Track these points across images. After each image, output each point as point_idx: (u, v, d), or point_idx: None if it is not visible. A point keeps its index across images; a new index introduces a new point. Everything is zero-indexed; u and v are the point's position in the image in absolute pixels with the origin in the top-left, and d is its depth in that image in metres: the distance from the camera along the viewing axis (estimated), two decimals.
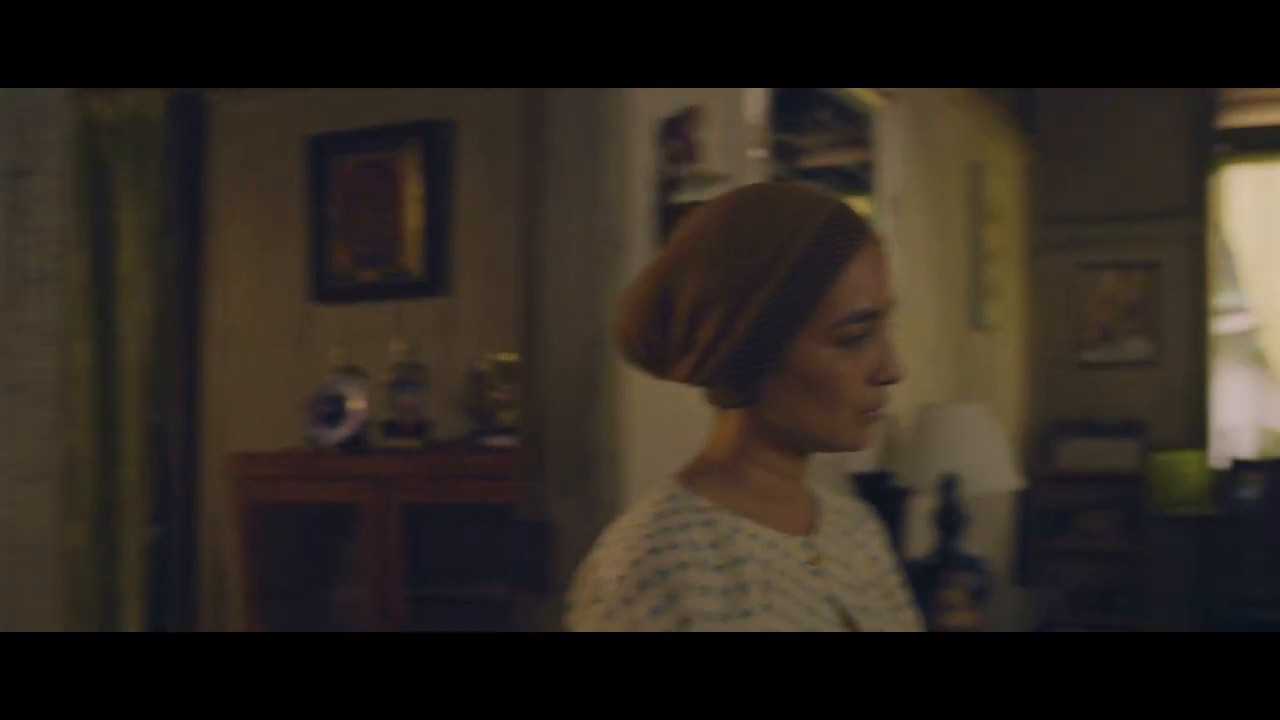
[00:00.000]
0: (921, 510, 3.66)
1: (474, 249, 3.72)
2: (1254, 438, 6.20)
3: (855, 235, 1.22)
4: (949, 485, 3.49)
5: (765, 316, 1.19)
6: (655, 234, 2.46)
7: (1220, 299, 6.11)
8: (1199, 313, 6.01)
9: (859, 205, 3.51)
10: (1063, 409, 6.12)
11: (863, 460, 3.51)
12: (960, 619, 3.26)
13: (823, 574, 1.28)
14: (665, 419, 2.52)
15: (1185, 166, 6.00)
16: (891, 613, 1.36)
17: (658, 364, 1.28)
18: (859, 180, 3.58)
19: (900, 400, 3.79)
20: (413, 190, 3.77)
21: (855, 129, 3.57)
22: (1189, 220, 5.97)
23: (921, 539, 3.65)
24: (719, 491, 1.25)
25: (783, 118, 3.01)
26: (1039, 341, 6.15)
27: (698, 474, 1.28)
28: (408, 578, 3.45)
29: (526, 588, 2.34)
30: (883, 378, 1.23)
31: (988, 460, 3.62)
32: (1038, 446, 6.12)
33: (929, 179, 4.22)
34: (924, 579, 3.27)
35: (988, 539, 5.21)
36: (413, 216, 3.77)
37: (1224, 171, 5.95)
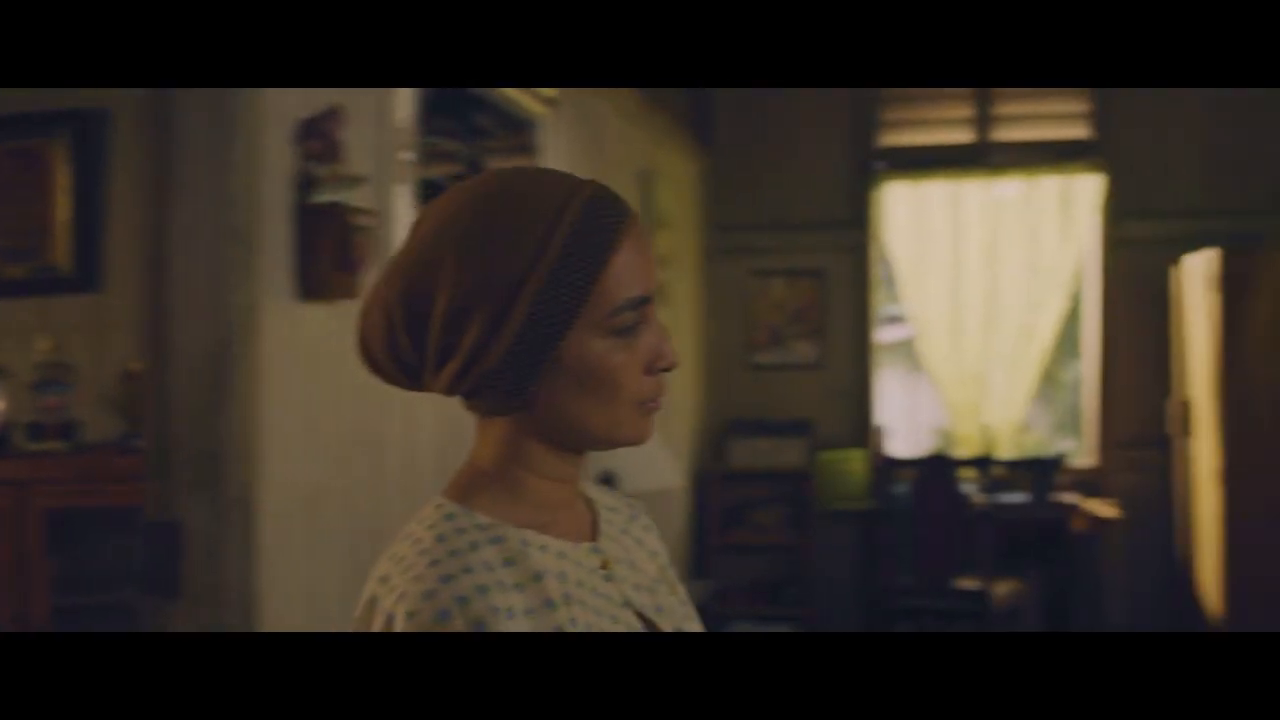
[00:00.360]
0: None
1: (129, 244, 3.60)
2: (908, 437, 6.62)
3: (620, 217, 1.15)
4: (606, 483, 3.60)
5: (535, 314, 1.11)
6: (294, 234, 2.45)
7: (881, 307, 6.50)
8: (861, 319, 6.38)
9: None
10: (735, 409, 6.39)
11: None
12: None
13: (613, 578, 1.23)
14: (302, 419, 2.52)
15: (848, 181, 6.36)
16: (681, 607, 1.32)
17: (409, 375, 1.18)
18: None
19: None
20: (62, 181, 3.62)
21: (519, 136, 3.63)
22: (852, 232, 6.33)
23: None
24: (496, 505, 1.17)
25: (438, 122, 3.04)
26: (713, 344, 6.40)
27: (469, 489, 1.19)
28: (53, 585, 3.32)
29: (153, 591, 2.30)
30: (660, 365, 1.17)
31: (646, 459, 3.75)
32: (712, 445, 6.36)
33: None
34: None
35: (664, 535, 5.38)
36: (62, 209, 3.63)
37: (882, 187, 6.34)
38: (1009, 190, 6.24)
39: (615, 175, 4.59)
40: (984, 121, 6.28)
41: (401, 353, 1.15)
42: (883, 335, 6.55)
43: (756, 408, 6.38)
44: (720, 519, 6.26)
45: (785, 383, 6.40)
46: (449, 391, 1.17)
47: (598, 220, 1.13)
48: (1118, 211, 6.16)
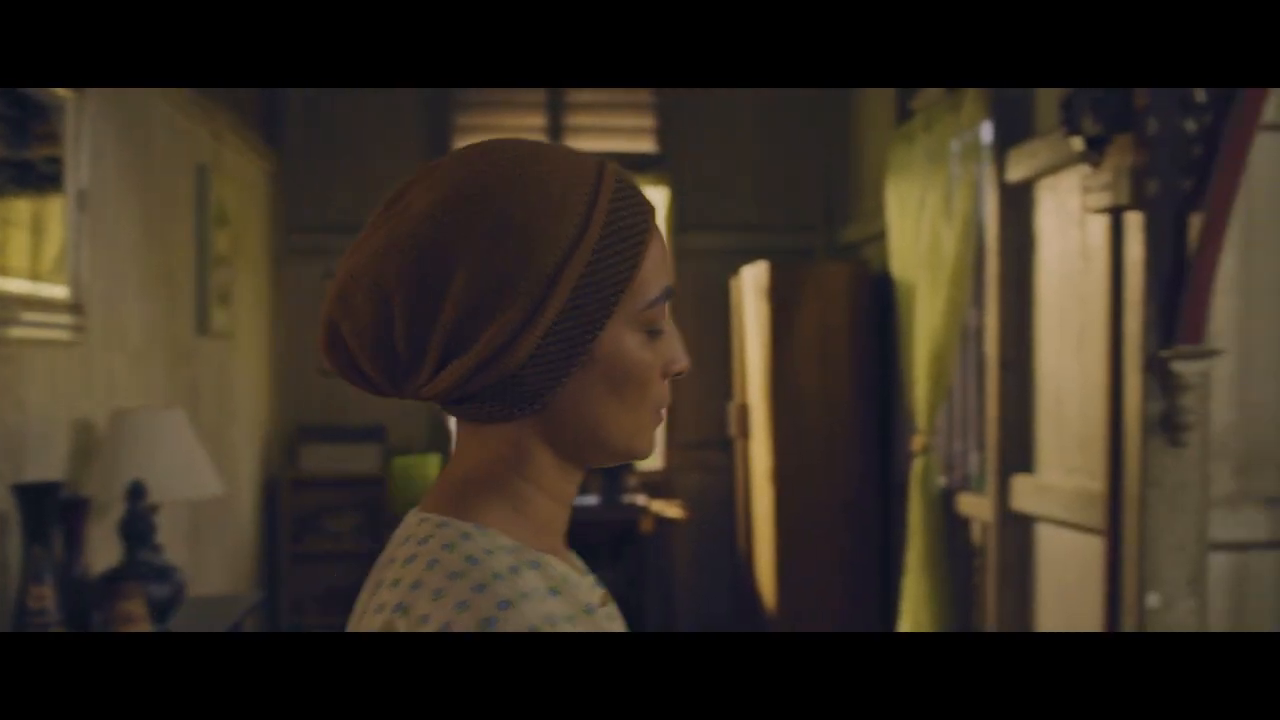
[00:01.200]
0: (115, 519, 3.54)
1: None
2: None
3: (648, 202, 1.03)
4: (136, 493, 3.40)
5: (577, 301, 0.96)
6: None
7: None
8: None
9: (50, 202, 3.34)
10: (307, 414, 6.22)
11: (41, 469, 3.33)
12: (139, 631, 3.18)
13: (612, 616, 1.07)
14: None
15: None
16: None
17: (387, 375, 1.00)
18: (45, 175, 3.40)
19: (98, 407, 3.65)
20: None
21: (40, 122, 3.37)
22: None
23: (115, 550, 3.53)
24: (506, 525, 1.00)
25: None
26: (284, 348, 6.21)
27: (468, 504, 1.01)
28: None
29: None
30: (675, 369, 1.05)
31: (184, 466, 3.57)
32: (282, 451, 6.17)
33: (143, 178, 4.10)
34: (105, 592, 3.15)
35: (226, 546, 5.16)
36: None
37: None
38: None
39: (166, 169, 4.36)
40: (557, 131, 6.40)
41: (394, 345, 0.97)
42: None
43: (329, 412, 6.24)
44: (292, 527, 6.08)
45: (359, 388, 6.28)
46: (445, 395, 0.99)
47: (632, 201, 1.01)
48: (682, 223, 6.43)
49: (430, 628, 0.91)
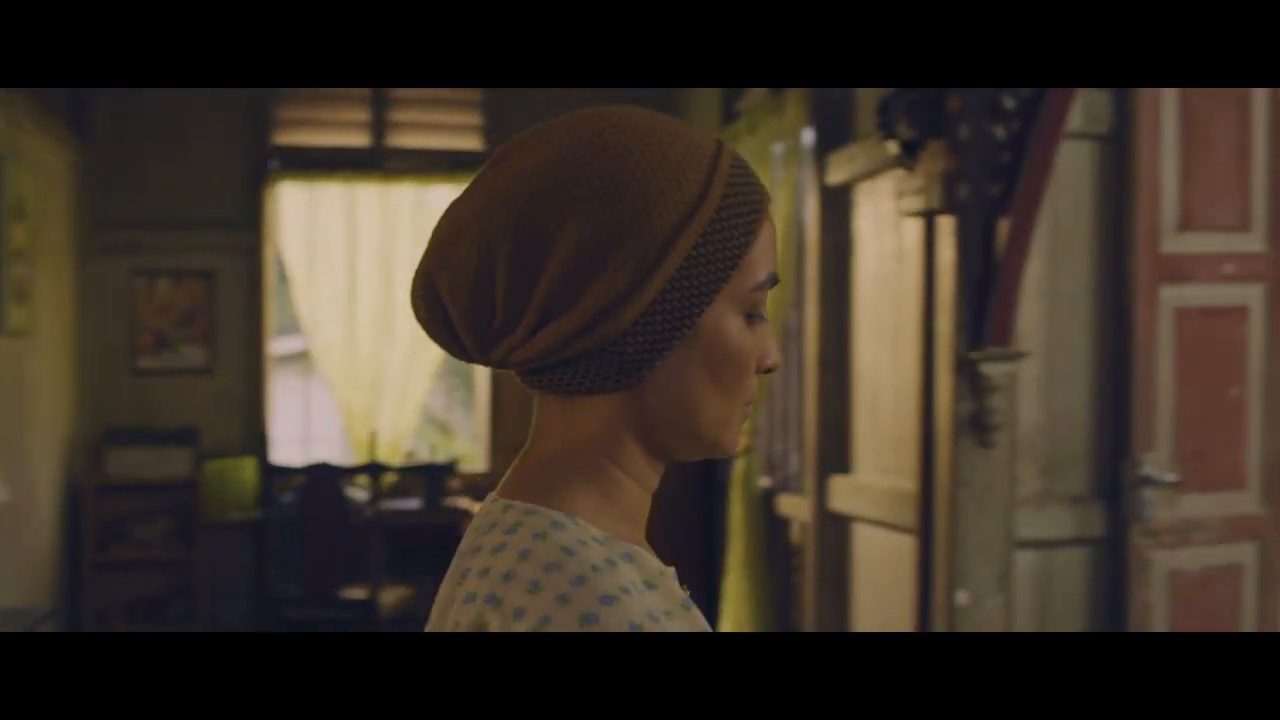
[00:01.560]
0: None
1: None
2: (310, 444, 6.49)
3: (761, 182, 1.00)
4: None
5: (688, 268, 0.93)
6: None
7: (275, 311, 6.32)
8: (254, 323, 6.17)
9: None
10: (115, 416, 5.98)
11: None
12: None
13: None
14: None
15: (241, 179, 6.14)
16: None
17: (478, 336, 0.95)
18: None
19: None
20: None
21: None
22: (245, 233, 6.12)
23: None
24: (595, 514, 0.95)
25: None
26: (89, 347, 5.95)
27: (554, 490, 0.96)
28: None
29: None
30: (768, 363, 1.00)
31: None
32: (87, 455, 5.91)
33: None
34: None
35: (23, 556, 4.92)
36: None
37: (277, 187, 6.17)
38: (403, 196, 6.27)
39: None
40: (380, 126, 6.29)
41: (492, 302, 0.93)
42: (289, 341, 6.37)
43: (138, 414, 5.99)
44: (96, 534, 5.82)
45: (171, 388, 6.07)
46: (537, 360, 0.94)
47: (749, 179, 0.98)
48: None
49: (526, 621, 0.88)
